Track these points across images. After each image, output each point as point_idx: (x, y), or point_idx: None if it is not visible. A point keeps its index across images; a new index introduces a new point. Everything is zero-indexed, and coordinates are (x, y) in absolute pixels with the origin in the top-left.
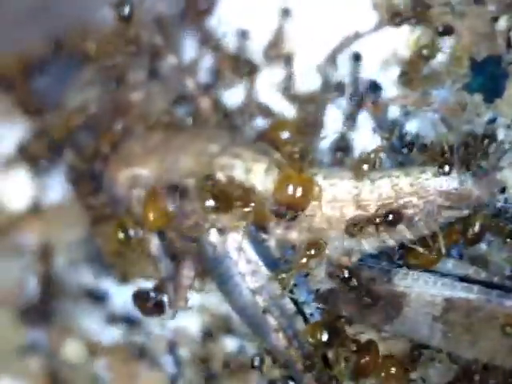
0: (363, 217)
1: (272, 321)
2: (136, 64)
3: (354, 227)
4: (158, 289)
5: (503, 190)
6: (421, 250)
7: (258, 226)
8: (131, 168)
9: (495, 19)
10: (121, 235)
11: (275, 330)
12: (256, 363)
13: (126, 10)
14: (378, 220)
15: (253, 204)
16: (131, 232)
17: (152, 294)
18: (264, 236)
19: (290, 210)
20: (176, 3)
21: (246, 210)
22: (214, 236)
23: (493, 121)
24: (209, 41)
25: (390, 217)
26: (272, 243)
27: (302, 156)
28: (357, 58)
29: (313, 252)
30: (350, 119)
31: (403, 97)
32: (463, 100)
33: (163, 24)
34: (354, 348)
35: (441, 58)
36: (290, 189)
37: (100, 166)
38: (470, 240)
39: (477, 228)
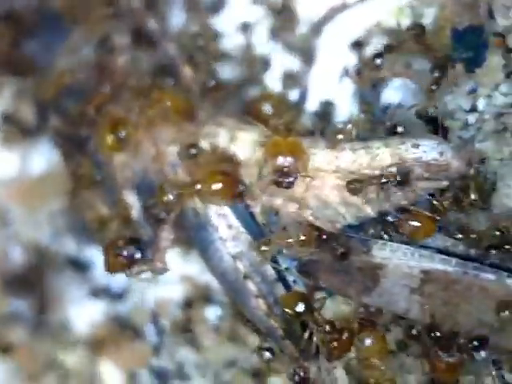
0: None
1: (252, 287)
2: (118, 28)
3: (357, 184)
4: (133, 242)
5: (483, 161)
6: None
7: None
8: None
9: None
10: (110, 137)
11: (256, 297)
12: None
13: None
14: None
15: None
16: (121, 133)
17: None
18: (249, 202)
19: (285, 177)
20: None
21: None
22: (195, 202)
23: (473, 91)
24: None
25: (399, 177)
26: (257, 209)
27: (288, 128)
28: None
29: (303, 238)
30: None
31: (388, 68)
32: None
33: None
34: (328, 329)
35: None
36: (281, 155)
37: (86, 130)
38: (463, 207)
39: (473, 196)
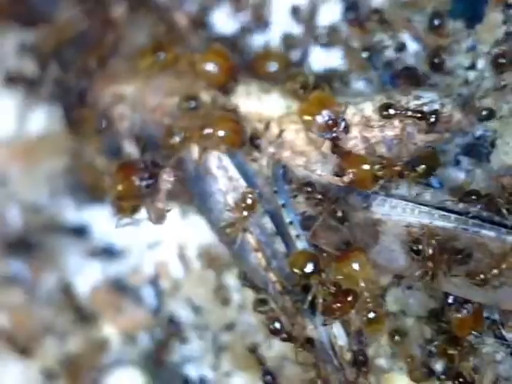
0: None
1: (251, 240)
2: None
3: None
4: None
5: (489, 116)
6: None
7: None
8: (117, 85)
9: None
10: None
11: (254, 250)
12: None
13: None
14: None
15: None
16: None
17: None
18: (256, 154)
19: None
20: None
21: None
22: (195, 153)
23: (472, 48)
24: None
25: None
26: (264, 162)
27: (305, 89)
28: None
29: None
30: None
31: (404, 25)
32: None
33: None
34: (332, 290)
35: None
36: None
37: (86, 82)
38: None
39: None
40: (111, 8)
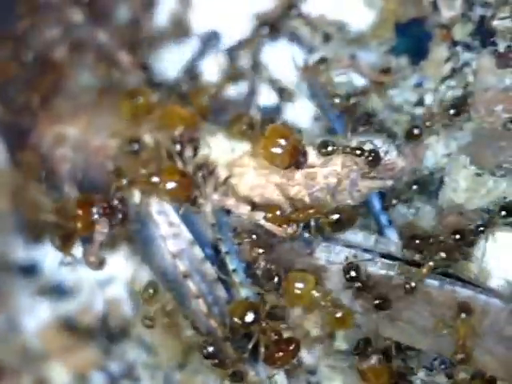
0: None
1: (192, 286)
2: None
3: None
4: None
5: None
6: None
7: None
8: (59, 125)
9: None
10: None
11: (196, 296)
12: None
13: None
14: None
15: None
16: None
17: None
18: (200, 202)
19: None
20: None
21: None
22: (137, 198)
23: (419, 84)
24: None
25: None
26: (208, 209)
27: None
28: None
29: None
30: None
31: (336, 60)
32: (390, 63)
33: None
34: (274, 338)
35: (368, 20)
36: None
37: (28, 120)
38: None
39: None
40: (52, 49)
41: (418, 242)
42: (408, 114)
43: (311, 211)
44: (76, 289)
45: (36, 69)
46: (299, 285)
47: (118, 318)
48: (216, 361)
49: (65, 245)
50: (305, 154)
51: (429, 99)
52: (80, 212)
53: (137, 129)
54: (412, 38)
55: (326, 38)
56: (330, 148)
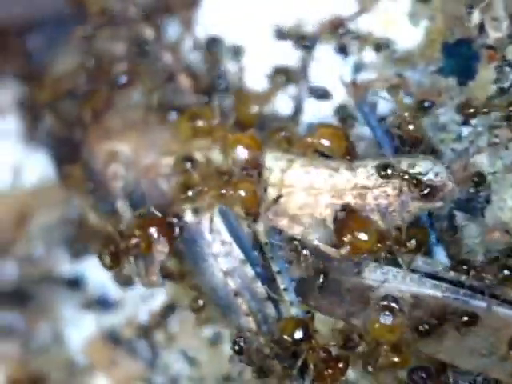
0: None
1: (243, 304)
2: (115, 36)
3: None
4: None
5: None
6: None
7: (247, 211)
8: (111, 142)
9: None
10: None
11: (245, 314)
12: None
13: None
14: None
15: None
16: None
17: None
18: (251, 220)
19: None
20: None
21: (221, 193)
22: (188, 216)
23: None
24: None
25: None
26: (260, 228)
27: (289, 141)
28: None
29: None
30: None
31: (383, 79)
32: (438, 83)
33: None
34: (323, 356)
35: (415, 39)
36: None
37: (80, 134)
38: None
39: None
40: (111, 66)
41: (465, 264)
42: (454, 133)
43: (388, 242)
44: (120, 302)
45: (91, 83)
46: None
47: (161, 331)
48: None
49: (114, 262)
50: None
51: (475, 119)
52: (141, 233)
53: (189, 147)
54: (460, 59)
55: (377, 48)
56: (389, 171)
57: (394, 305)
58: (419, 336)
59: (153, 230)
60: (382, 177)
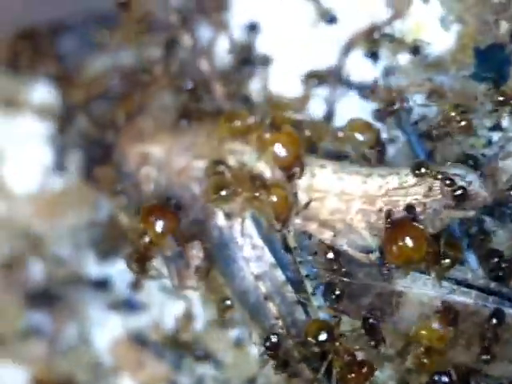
0: None
1: (273, 308)
2: (152, 41)
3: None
4: None
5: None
6: None
7: (278, 216)
8: (143, 144)
9: (502, 6)
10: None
11: (275, 318)
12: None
13: None
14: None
15: (261, 192)
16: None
17: None
18: (281, 225)
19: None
20: None
21: (254, 196)
22: (220, 219)
23: (496, 109)
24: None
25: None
26: (290, 232)
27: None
28: None
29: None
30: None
31: (418, 85)
32: (470, 88)
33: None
34: (347, 360)
35: (446, 44)
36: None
37: (113, 136)
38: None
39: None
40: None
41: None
42: (484, 138)
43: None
44: (147, 304)
45: (126, 85)
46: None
47: (188, 333)
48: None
49: (141, 268)
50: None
51: (506, 123)
52: (145, 225)
53: (222, 150)
54: (492, 64)
55: (415, 51)
56: (423, 170)
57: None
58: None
59: (152, 218)
60: (416, 175)
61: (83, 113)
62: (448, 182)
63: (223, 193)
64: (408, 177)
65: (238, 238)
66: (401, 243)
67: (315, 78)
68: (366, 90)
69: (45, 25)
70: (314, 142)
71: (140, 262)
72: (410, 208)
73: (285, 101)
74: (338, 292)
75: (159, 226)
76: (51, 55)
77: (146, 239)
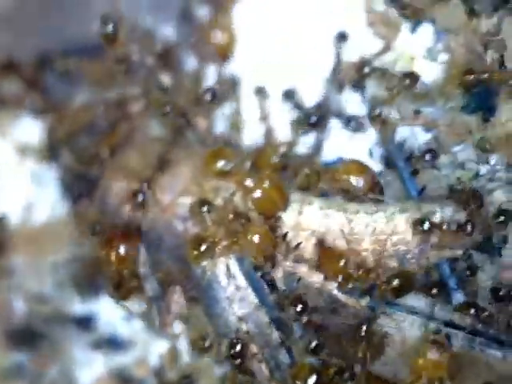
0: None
1: (256, 350)
2: (131, 80)
3: None
4: None
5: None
6: None
7: (264, 256)
8: (127, 179)
9: (490, 35)
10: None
11: (259, 361)
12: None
13: (110, 27)
14: None
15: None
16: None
17: None
18: (269, 267)
19: None
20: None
21: (233, 242)
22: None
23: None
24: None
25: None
26: (279, 274)
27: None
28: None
29: None
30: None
31: (413, 117)
32: (460, 120)
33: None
34: None
35: (433, 75)
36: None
37: (97, 171)
38: None
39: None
40: (129, 103)
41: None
42: (471, 171)
43: (372, 275)
44: (131, 342)
45: (109, 118)
46: None
47: (173, 371)
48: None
49: (119, 293)
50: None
51: (493, 156)
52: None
53: (208, 187)
54: (481, 95)
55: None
56: (426, 226)
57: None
58: None
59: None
60: (418, 232)
61: (67, 146)
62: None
63: (203, 248)
64: (395, 214)
65: (221, 278)
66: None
67: (304, 125)
68: (355, 123)
69: (30, 57)
70: (309, 183)
71: (117, 289)
72: None
73: (271, 146)
74: (314, 344)
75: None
76: (37, 88)
77: (112, 265)
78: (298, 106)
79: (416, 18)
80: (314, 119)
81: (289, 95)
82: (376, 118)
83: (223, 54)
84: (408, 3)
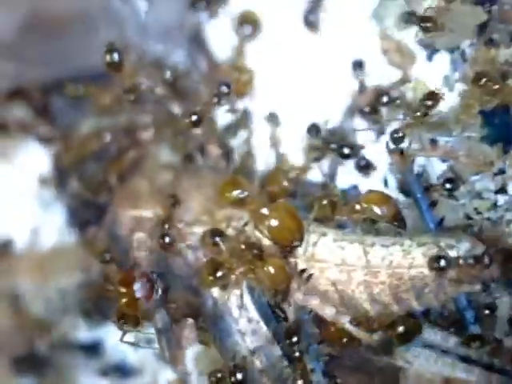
0: None
1: (267, 383)
2: (140, 109)
3: None
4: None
5: None
6: None
7: (276, 288)
8: (136, 207)
9: (509, 65)
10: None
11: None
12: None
13: (115, 56)
14: None
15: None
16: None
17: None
18: (281, 299)
19: None
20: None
21: (250, 269)
22: (215, 291)
23: (501, 172)
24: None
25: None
26: (290, 307)
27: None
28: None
29: None
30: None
31: (431, 147)
32: (477, 150)
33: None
34: None
35: (450, 105)
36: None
37: (105, 198)
38: None
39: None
40: (138, 130)
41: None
42: (489, 201)
43: (375, 326)
44: (139, 369)
45: (118, 144)
46: None
47: None
48: None
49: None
50: None
51: (511, 187)
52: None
53: (220, 217)
54: (500, 126)
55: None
56: (442, 263)
57: None
58: None
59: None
60: (434, 269)
61: (75, 173)
62: (473, 262)
63: (219, 274)
64: (412, 248)
65: (233, 310)
66: None
67: (317, 151)
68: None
69: (37, 85)
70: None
71: (123, 320)
72: None
73: (283, 170)
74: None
75: (136, 291)
76: (45, 115)
77: (123, 301)
78: (323, 139)
79: (437, 30)
80: (347, 151)
81: (312, 130)
82: (394, 150)
83: (241, 93)
84: (428, 16)
